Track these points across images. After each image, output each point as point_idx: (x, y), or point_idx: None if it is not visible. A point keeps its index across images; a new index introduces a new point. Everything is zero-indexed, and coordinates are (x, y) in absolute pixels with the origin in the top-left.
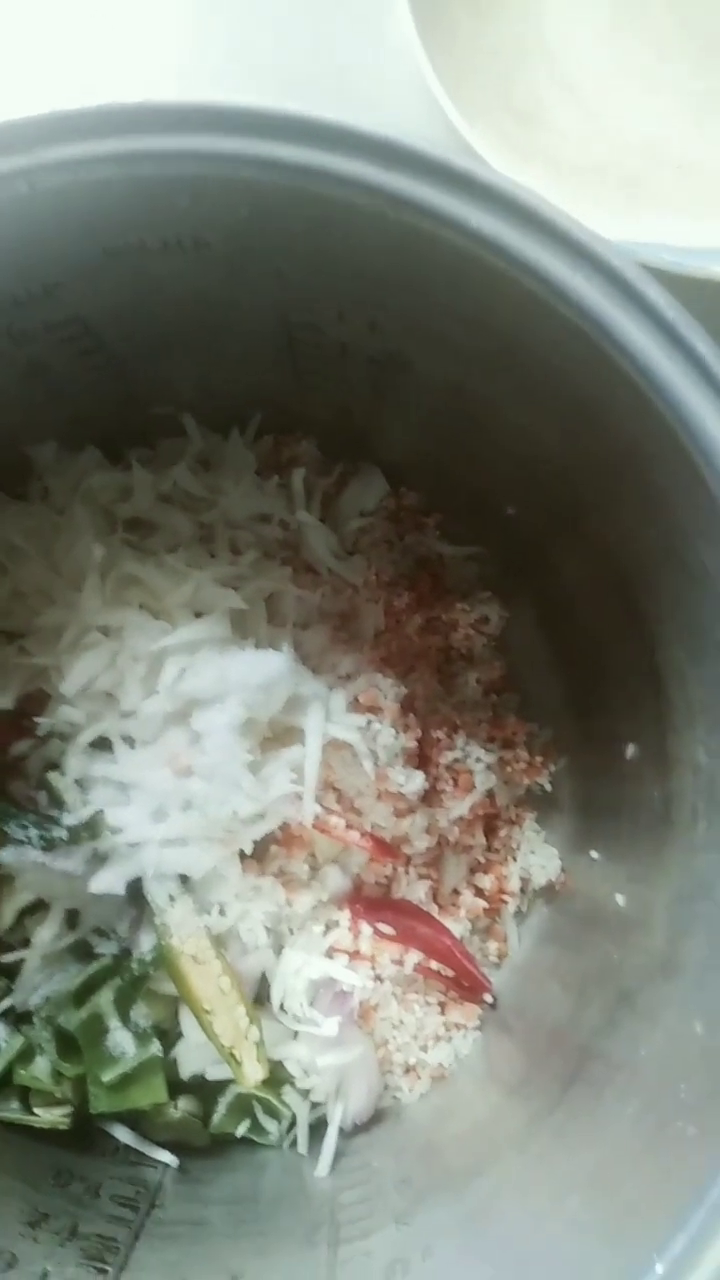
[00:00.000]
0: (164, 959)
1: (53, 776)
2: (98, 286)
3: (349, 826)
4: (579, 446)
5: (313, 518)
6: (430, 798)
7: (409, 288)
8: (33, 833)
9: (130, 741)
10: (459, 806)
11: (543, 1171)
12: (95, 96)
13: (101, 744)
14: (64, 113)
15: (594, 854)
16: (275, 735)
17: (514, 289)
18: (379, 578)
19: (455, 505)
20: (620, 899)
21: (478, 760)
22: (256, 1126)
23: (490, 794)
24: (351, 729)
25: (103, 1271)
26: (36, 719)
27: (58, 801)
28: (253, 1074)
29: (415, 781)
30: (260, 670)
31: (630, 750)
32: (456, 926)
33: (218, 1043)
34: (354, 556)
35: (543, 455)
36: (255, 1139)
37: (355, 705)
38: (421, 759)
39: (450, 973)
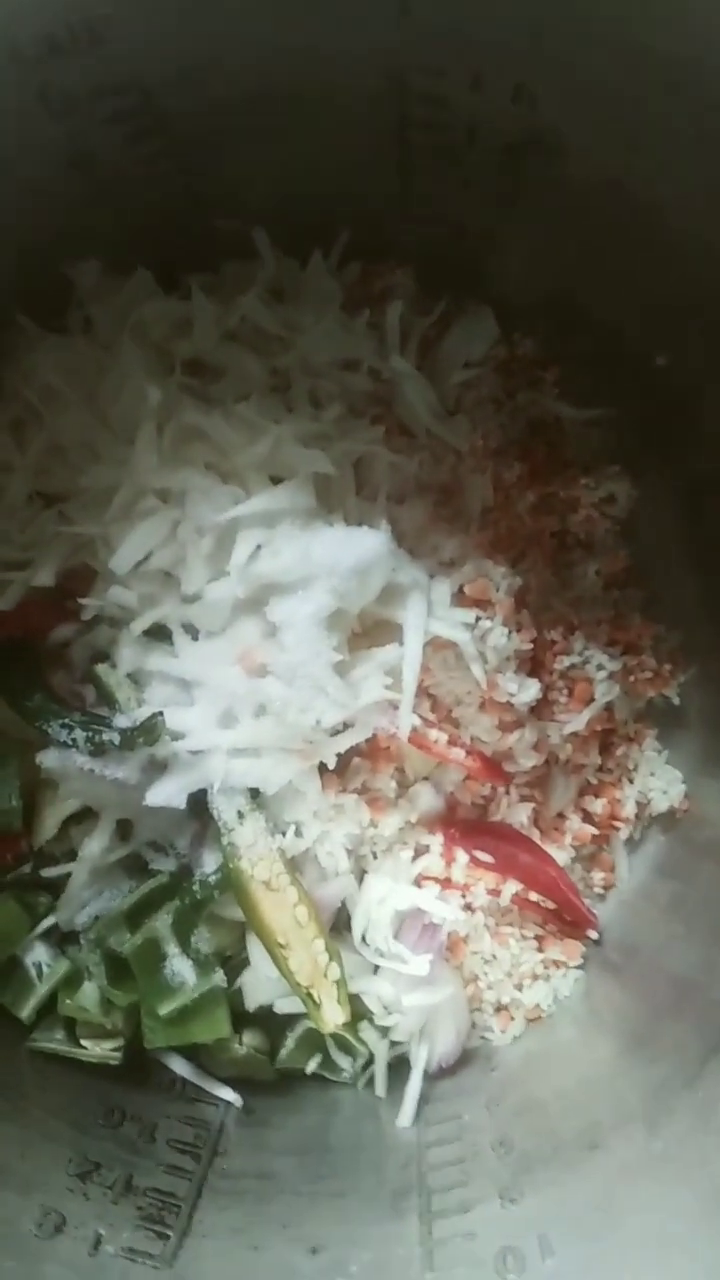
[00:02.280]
0: (231, 884)
1: (101, 669)
2: (158, 28)
3: (452, 742)
4: None
5: (409, 366)
6: (540, 709)
7: (587, 26)
8: (79, 735)
9: (193, 632)
10: (575, 721)
11: (687, 1162)
12: None
13: (159, 633)
14: None
15: None
16: (366, 631)
17: None
18: (486, 444)
19: (582, 355)
20: None
21: (599, 667)
22: (329, 1063)
23: (609, 706)
24: (458, 626)
25: (163, 1236)
26: (81, 600)
27: (107, 699)
28: (333, 1016)
29: (529, 691)
30: (352, 551)
31: None
32: (559, 854)
33: (293, 981)
34: (457, 417)
35: None
36: (327, 1076)
37: (461, 598)
38: (534, 664)
39: (551, 905)
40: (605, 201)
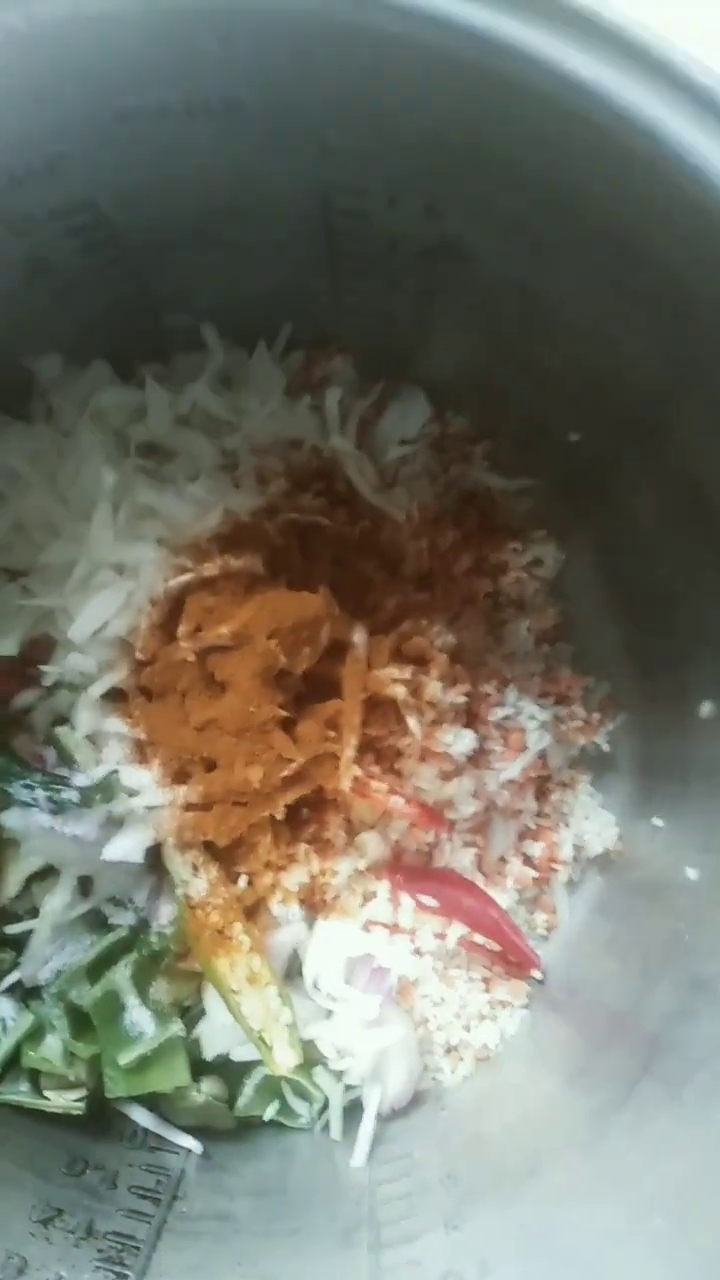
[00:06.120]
0: (186, 934)
1: (61, 732)
2: (109, 161)
3: (392, 791)
4: (675, 349)
5: (349, 444)
6: (477, 758)
7: (479, 155)
8: (40, 794)
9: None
10: (510, 769)
11: (616, 1181)
12: None
13: (116, 696)
14: None
15: (657, 821)
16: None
17: (616, 151)
18: (422, 513)
19: (507, 431)
20: (692, 873)
21: (530, 718)
22: (286, 1109)
23: (542, 754)
24: (396, 682)
25: (122, 1277)
26: (42, 667)
27: (67, 759)
28: (284, 1060)
29: (465, 741)
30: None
31: (707, 708)
32: (503, 897)
33: (246, 1026)
34: (394, 489)
35: (623, 364)
36: (285, 1122)
37: (399, 655)
38: (469, 716)
39: (496, 947)
40: (513, 299)
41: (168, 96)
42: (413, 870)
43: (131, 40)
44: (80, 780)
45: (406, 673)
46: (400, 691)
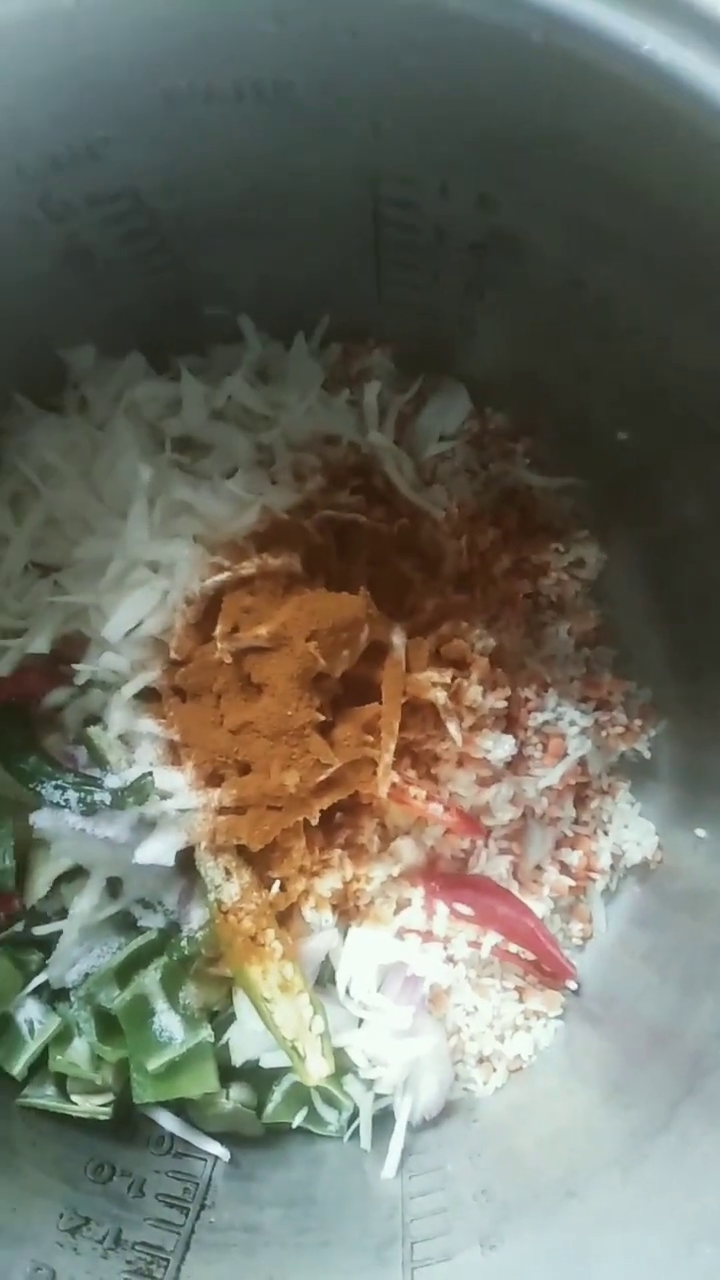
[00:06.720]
0: (218, 940)
1: (93, 732)
2: (153, 146)
3: (429, 798)
4: None
5: (387, 440)
6: (516, 764)
7: (541, 143)
8: (71, 796)
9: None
10: (549, 775)
11: (659, 1206)
12: None
13: (149, 696)
14: None
15: (700, 832)
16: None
17: (695, 141)
18: (461, 512)
19: (549, 428)
20: None
21: (571, 723)
22: (314, 1116)
23: (582, 761)
24: (435, 686)
25: None
26: (74, 665)
27: (99, 760)
28: (316, 1070)
29: (504, 747)
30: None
31: None
32: (538, 905)
33: (278, 1034)
34: (433, 486)
35: (681, 363)
36: (313, 1129)
37: (438, 658)
38: (509, 721)
39: (531, 956)
40: (566, 296)
41: (217, 79)
42: (447, 877)
43: (183, 21)
44: (112, 781)
45: (446, 676)
46: (440, 695)
